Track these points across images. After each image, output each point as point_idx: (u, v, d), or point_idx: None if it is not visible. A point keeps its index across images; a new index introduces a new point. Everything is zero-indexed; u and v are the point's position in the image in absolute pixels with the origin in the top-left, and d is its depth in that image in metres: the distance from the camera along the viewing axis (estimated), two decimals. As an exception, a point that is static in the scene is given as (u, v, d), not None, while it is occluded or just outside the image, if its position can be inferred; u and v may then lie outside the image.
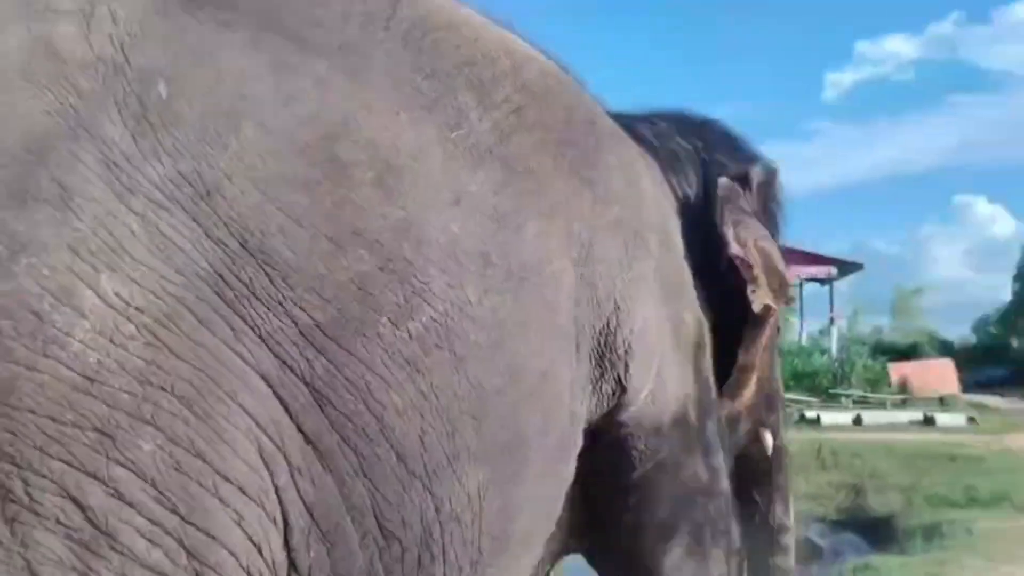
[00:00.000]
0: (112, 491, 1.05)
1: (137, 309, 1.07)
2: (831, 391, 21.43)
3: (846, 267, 27.05)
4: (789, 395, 21.85)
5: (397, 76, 1.40)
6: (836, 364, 22.64)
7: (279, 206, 1.18)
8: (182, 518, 1.09)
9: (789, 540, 2.44)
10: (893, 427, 18.21)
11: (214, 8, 1.25)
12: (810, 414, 19.53)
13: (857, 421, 19.11)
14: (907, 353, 28.49)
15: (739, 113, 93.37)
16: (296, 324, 1.18)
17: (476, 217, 1.40)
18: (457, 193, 1.39)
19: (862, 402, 21.08)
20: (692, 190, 2.16)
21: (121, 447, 1.05)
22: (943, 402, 20.77)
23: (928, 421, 18.79)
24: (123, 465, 1.05)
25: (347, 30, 1.39)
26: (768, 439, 2.39)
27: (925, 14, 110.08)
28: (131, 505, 1.06)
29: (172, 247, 1.10)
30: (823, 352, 24.12)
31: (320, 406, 1.20)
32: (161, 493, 1.08)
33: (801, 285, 28.43)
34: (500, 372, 1.40)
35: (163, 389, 1.08)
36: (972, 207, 69.94)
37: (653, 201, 1.96)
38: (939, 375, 21.80)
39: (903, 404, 20.88)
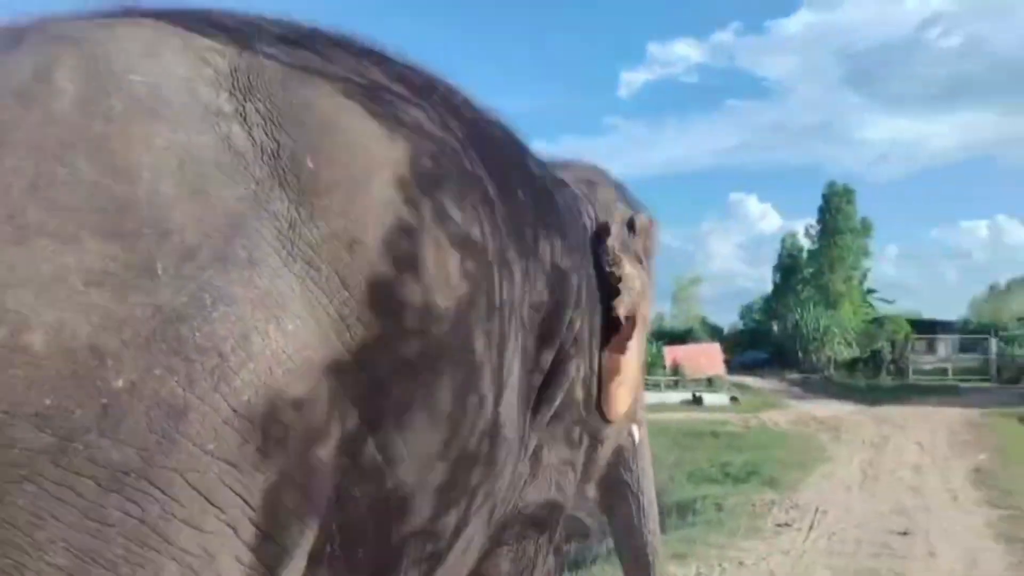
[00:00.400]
0: (223, 518, 1.18)
1: (287, 356, 1.24)
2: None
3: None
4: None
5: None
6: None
7: None
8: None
9: (655, 511, 2.93)
10: (665, 407, 19.13)
11: (322, 79, 1.48)
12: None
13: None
14: (683, 338, 30.30)
15: (540, 106, 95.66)
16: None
17: None
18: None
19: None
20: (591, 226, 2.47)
21: (242, 478, 1.19)
22: (710, 383, 22.15)
23: (696, 400, 19.93)
24: (237, 494, 1.19)
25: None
26: (636, 432, 2.79)
27: (710, 22, 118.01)
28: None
29: (317, 302, 1.30)
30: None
31: (376, 426, 1.39)
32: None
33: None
34: None
35: (287, 425, 1.24)
36: (744, 204, 76.32)
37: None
38: (708, 358, 23.24)
39: (675, 385, 22.04)
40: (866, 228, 29.95)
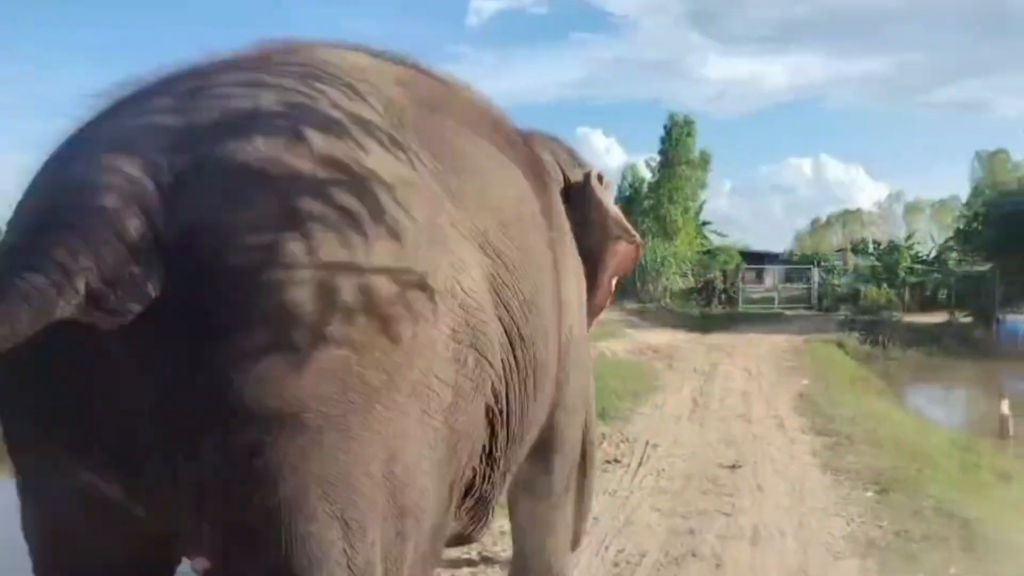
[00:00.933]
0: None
1: (466, 295, 1.72)
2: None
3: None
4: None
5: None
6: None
7: (507, 235, 1.97)
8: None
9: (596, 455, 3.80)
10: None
11: (442, 112, 2.04)
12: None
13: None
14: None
15: (386, 32, 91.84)
16: (519, 297, 1.98)
17: None
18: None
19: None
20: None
21: (458, 363, 1.69)
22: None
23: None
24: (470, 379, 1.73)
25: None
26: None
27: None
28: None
29: (474, 266, 1.80)
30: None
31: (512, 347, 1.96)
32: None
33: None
34: None
35: (471, 345, 1.73)
36: (590, 138, 76.84)
37: None
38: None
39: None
40: (704, 160, 30.45)
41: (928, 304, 27.01)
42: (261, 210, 1.44)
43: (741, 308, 28.90)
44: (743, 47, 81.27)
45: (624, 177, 33.04)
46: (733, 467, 6.54)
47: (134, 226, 1.37)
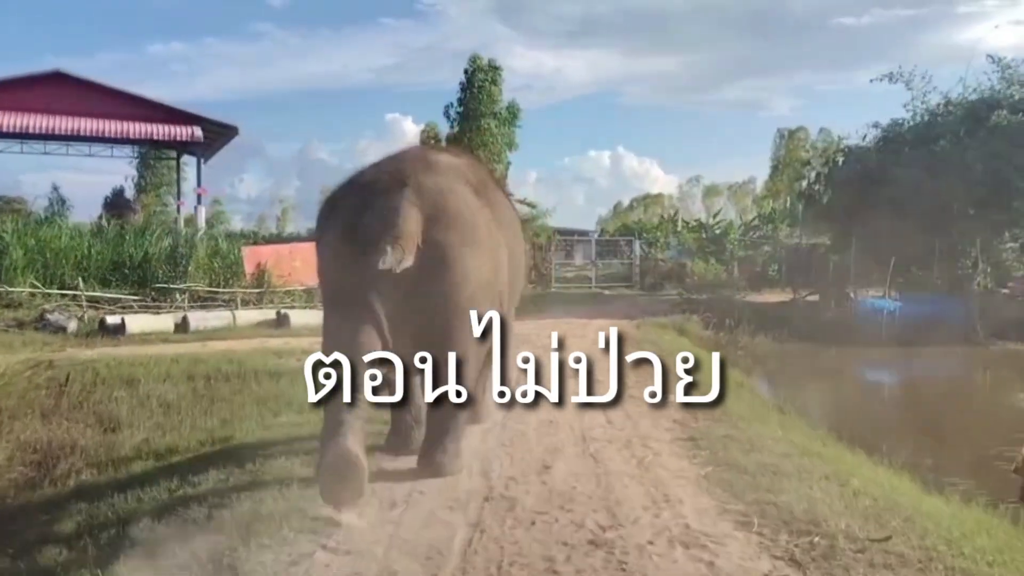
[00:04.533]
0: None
1: (504, 248, 5.26)
2: (163, 286, 15.35)
3: (216, 129, 21.09)
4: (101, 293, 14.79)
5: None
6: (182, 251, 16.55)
7: (506, 233, 5.51)
8: None
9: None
10: (220, 334, 12.92)
11: (485, 175, 5.83)
12: (113, 320, 13.18)
13: (183, 327, 13.34)
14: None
15: (181, 3, 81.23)
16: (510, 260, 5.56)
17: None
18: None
19: (215, 299, 15.48)
20: None
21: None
22: (312, 295, 16.26)
23: (281, 321, 14.00)
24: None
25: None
26: None
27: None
28: None
29: (502, 242, 5.26)
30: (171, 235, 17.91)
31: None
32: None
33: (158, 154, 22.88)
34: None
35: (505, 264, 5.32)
36: (401, 125, 71.43)
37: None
38: (310, 261, 17.11)
39: (260, 300, 15.82)
40: (512, 114, 25.62)
41: (759, 281, 23.69)
42: (452, 209, 4.80)
43: (554, 288, 24.52)
44: (547, 40, 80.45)
45: (423, 134, 27.71)
46: None
47: (413, 216, 4.59)
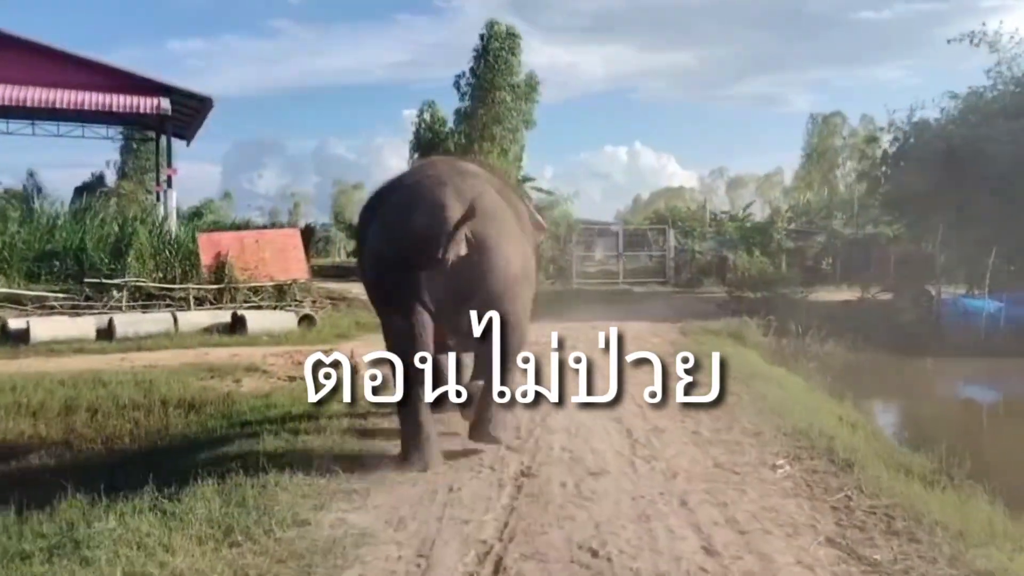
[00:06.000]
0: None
1: (528, 250, 5.89)
2: (95, 280, 12.47)
3: (187, 102, 18.23)
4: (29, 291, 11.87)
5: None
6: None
7: (524, 231, 5.94)
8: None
9: None
10: (171, 339, 10.04)
11: (506, 198, 5.83)
12: (18, 324, 10.31)
13: (109, 332, 10.46)
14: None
15: (192, 2, 79.85)
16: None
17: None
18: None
19: (167, 297, 12.62)
20: None
21: (514, 291, 5.36)
22: (282, 293, 13.39)
23: (236, 325, 11.11)
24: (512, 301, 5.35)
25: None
26: None
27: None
28: None
29: (528, 237, 5.91)
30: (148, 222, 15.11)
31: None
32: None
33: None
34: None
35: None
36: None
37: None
38: (283, 252, 14.18)
39: (220, 298, 12.92)
40: (531, 87, 22.58)
41: (811, 276, 20.51)
42: (488, 207, 5.20)
43: (575, 284, 21.56)
44: (562, 36, 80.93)
45: (420, 115, 24.75)
46: None
47: (459, 212, 5.02)
